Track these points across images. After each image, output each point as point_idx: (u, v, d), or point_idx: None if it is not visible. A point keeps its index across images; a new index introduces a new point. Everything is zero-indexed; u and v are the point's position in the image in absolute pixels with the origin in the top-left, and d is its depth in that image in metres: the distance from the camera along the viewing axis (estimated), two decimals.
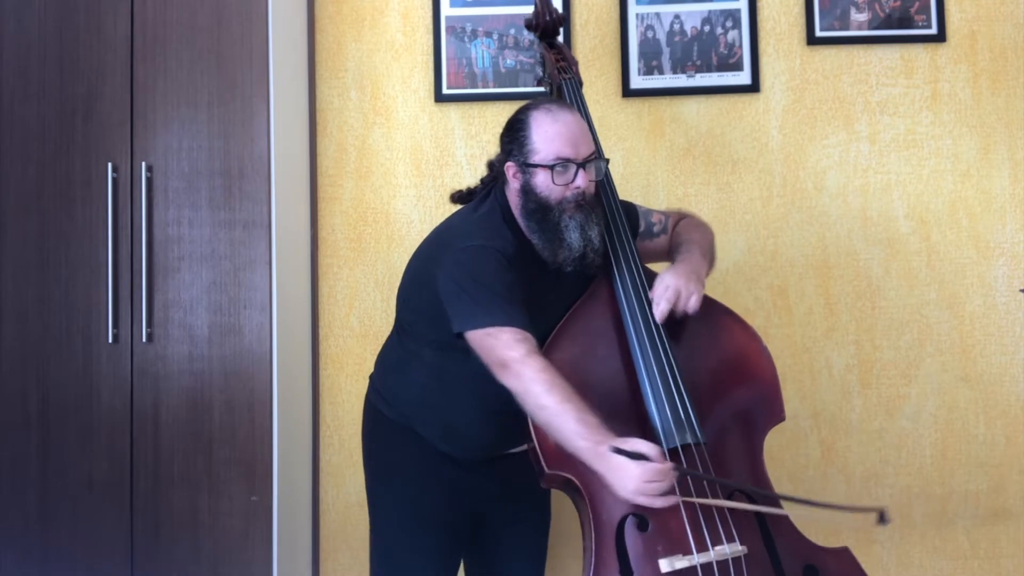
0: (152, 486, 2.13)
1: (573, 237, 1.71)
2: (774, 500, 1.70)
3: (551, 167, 1.69)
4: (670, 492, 1.52)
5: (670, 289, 1.71)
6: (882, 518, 1.56)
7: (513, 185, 1.76)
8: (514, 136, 1.75)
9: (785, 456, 2.47)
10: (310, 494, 2.47)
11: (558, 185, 1.70)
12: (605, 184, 1.86)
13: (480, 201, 1.84)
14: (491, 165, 1.89)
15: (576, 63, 2.11)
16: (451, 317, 1.67)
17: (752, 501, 1.67)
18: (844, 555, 1.68)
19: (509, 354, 1.59)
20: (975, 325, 2.48)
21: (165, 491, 2.13)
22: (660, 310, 1.71)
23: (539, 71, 2.18)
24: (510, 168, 1.75)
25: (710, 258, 1.86)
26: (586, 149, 1.72)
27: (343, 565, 2.49)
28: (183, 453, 2.13)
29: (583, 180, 1.70)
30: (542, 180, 1.71)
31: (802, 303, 2.50)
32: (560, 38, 2.18)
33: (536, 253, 1.75)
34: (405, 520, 1.87)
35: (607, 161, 1.82)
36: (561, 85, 2.03)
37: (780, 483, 2.43)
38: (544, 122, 1.71)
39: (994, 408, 2.47)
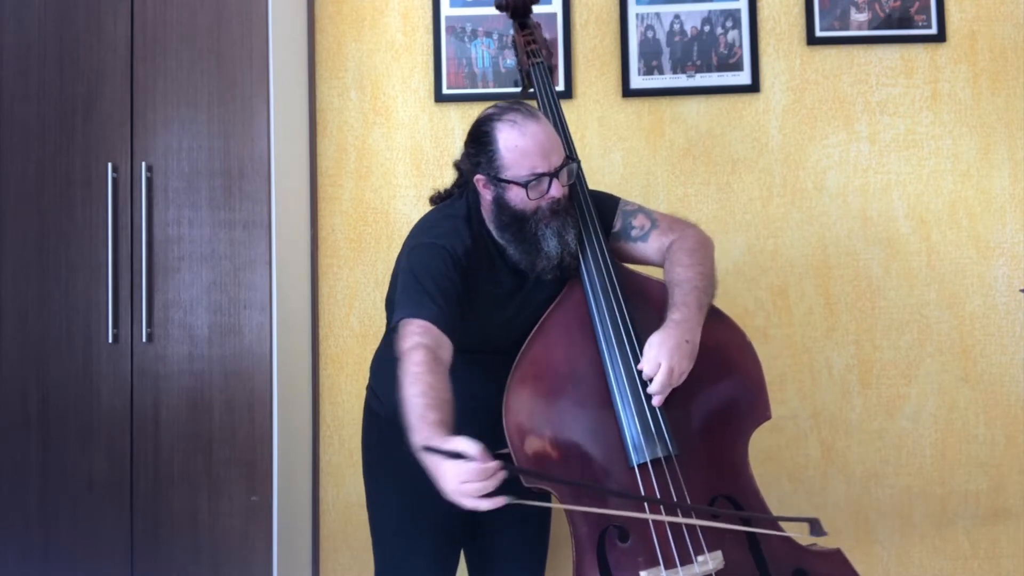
0: (152, 486, 2.13)
1: (551, 245, 1.69)
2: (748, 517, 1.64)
3: (524, 184, 1.66)
4: (499, 493, 1.38)
5: (662, 371, 1.61)
6: (815, 528, 1.51)
7: (485, 196, 1.73)
8: (481, 149, 1.70)
9: (785, 456, 2.47)
10: (310, 494, 2.47)
11: (532, 199, 1.67)
12: (576, 181, 1.81)
13: (452, 201, 1.82)
14: (459, 169, 1.84)
15: (547, 45, 2.01)
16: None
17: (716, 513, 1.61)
18: (835, 557, 1.64)
19: (402, 344, 1.55)
20: (975, 325, 2.48)
21: (165, 491, 2.13)
22: (654, 391, 1.63)
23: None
24: (480, 180, 1.71)
25: (711, 294, 1.74)
26: (557, 158, 1.68)
27: (343, 565, 2.49)
28: (183, 453, 2.13)
29: (557, 190, 1.67)
30: (515, 195, 1.67)
31: (802, 303, 2.50)
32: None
33: (498, 254, 1.73)
34: (403, 521, 1.86)
35: (578, 162, 1.77)
36: (530, 71, 1.97)
37: (780, 483, 2.44)
38: (511, 137, 1.66)
39: (994, 408, 2.47)
